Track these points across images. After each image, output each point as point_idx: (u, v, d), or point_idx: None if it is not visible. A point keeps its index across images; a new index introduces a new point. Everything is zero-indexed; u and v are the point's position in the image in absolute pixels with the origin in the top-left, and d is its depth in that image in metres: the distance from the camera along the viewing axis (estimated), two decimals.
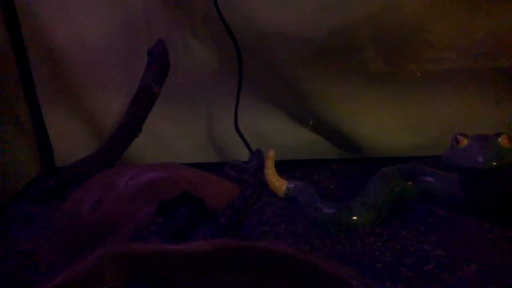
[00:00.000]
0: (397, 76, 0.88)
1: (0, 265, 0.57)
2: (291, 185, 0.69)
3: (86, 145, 0.89)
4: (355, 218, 0.59)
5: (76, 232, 0.60)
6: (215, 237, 0.58)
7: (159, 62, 0.71)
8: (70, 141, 0.91)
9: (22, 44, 0.85)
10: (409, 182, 0.65)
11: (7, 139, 0.85)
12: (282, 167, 0.73)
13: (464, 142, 0.54)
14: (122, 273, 0.45)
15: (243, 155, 0.88)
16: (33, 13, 0.84)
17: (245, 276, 0.45)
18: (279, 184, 0.70)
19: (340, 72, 0.87)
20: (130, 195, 0.61)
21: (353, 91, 0.88)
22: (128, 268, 0.45)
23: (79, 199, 0.63)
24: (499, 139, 0.53)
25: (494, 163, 0.51)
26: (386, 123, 0.89)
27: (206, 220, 0.64)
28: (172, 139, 0.93)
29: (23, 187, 0.84)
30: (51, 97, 0.89)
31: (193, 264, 0.45)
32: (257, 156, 0.80)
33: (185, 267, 0.45)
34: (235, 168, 0.75)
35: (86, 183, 0.66)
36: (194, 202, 0.63)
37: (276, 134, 0.91)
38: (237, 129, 0.87)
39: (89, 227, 0.60)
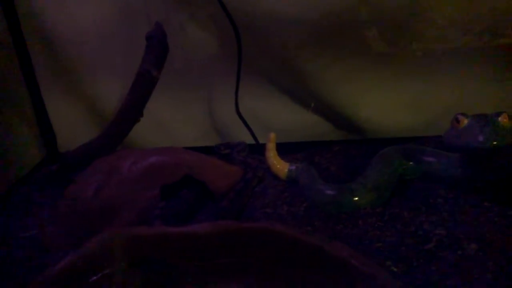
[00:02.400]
0: (398, 55, 0.87)
1: (9, 249, 0.58)
2: (293, 167, 0.69)
3: (88, 130, 0.89)
4: (356, 199, 0.59)
5: (80, 216, 0.61)
6: (217, 219, 0.59)
7: (158, 46, 0.71)
8: (72, 126, 0.92)
9: (20, 30, 0.84)
10: (410, 163, 0.65)
11: (10, 126, 0.85)
12: (284, 150, 0.73)
13: (464, 121, 0.54)
14: (125, 256, 0.45)
15: (244, 138, 0.88)
16: None
17: (246, 258, 0.45)
18: (280, 166, 0.70)
19: (341, 52, 0.86)
20: (133, 179, 0.62)
21: (354, 72, 0.87)
22: (131, 251, 0.46)
23: (82, 183, 0.64)
24: (499, 118, 0.52)
25: (494, 142, 0.51)
26: (387, 103, 0.88)
27: (208, 203, 0.64)
28: (173, 123, 0.93)
29: (27, 172, 0.84)
30: (52, 83, 0.89)
31: (195, 246, 0.46)
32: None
33: (187, 249, 0.46)
34: (225, 146, 0.76)
35: (89, 168, 0.66)
36: (196, 186, 0.64)
37: (277, 116, 0.91)
38: (238, 112, 0.87)
39: (92, 211, 0.61)
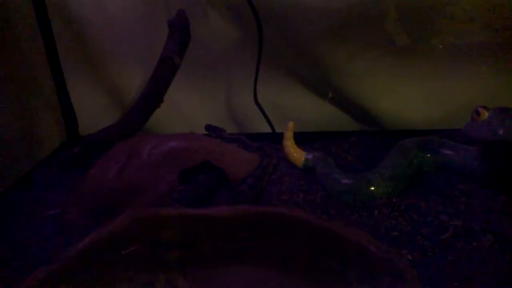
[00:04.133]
0: (418, 49, 0.87)
1: (34, 227, 0.60)
2: (310, 156, 0.70)
3: (109, 115, 0.91)
4: (372, 189, 0.60)
5: (101, 198, 0.63)
6: (235, 204, 0.60)
7: (180, 33, 0.71)
8: (94, 110, 0.94)
9: (46, 16, 0.86)
10: (428, 155, 0.65)
11: (33, 109, 0.87)
12: (301, 139, 0.74)
13: (485, 114, 0.54)
14: (146, 235, 0.47)
15: (262, 127, 0.89)
16: None
17: (265, 241, 0.46)
18: (297, 155, 0.70)
19: (362, 45, 0.86)
20: (153, 163, 0.63)
21: (373, 64, 0.87)
22: (152, 231, 0.47)
23: (104, 166, 0.65)
24: None
25: None
26: (406, 96, 0.88)
27: (226, 188, 0.65)
28: (193, 110, 0.94)
29: (49, 154, 0.87)
30: (74, 68, 0.91)
31: (215, 228, 0.47)
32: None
33: (206, 230, 0.47)
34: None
35: (111, 151, 0.68)
36: (214, 172, 0.65)
37: (295, 106, 0.92)
38: (256, 102, 0.88)
39: (113, 193, 0.62)
